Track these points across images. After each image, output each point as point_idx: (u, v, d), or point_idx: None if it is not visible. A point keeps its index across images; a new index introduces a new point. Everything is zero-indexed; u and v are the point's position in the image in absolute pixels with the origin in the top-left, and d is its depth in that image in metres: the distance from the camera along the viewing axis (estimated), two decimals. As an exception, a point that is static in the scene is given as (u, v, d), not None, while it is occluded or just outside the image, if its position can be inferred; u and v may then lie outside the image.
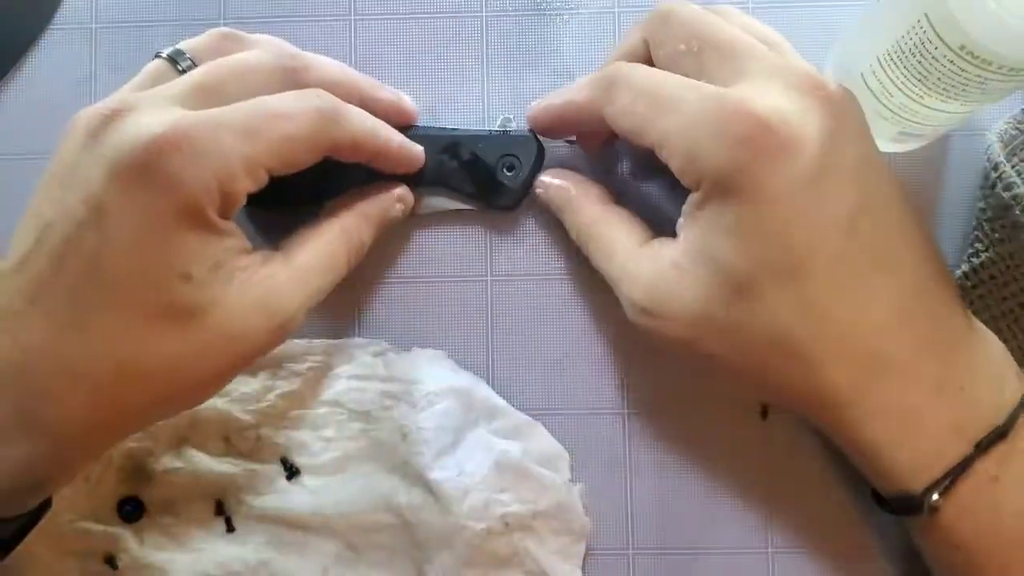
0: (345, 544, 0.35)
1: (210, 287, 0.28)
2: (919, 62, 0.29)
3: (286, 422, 0.36)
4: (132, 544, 0.35)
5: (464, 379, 0.36)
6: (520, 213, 0.37)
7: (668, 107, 0.30)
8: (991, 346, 0.31)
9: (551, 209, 0.36)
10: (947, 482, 0.29)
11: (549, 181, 0.35)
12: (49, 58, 0.38)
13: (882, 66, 0.31)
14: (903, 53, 0.29)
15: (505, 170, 0.35)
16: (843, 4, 0.37)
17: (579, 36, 0.37)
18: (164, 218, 0.27)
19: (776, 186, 0.28)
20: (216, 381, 0.30)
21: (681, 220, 0.31)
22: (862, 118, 0.30)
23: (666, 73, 0.31)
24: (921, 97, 0.30)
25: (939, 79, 0.29)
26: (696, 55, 0.31)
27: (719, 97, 0.29)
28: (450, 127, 0.36)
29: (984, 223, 0.34)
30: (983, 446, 0.29)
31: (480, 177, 0.35)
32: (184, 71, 0.31)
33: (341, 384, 0.36)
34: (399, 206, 0.35)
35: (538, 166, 0.36)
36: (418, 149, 0.35)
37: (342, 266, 0.33)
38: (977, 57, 0.27)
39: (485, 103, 0.37)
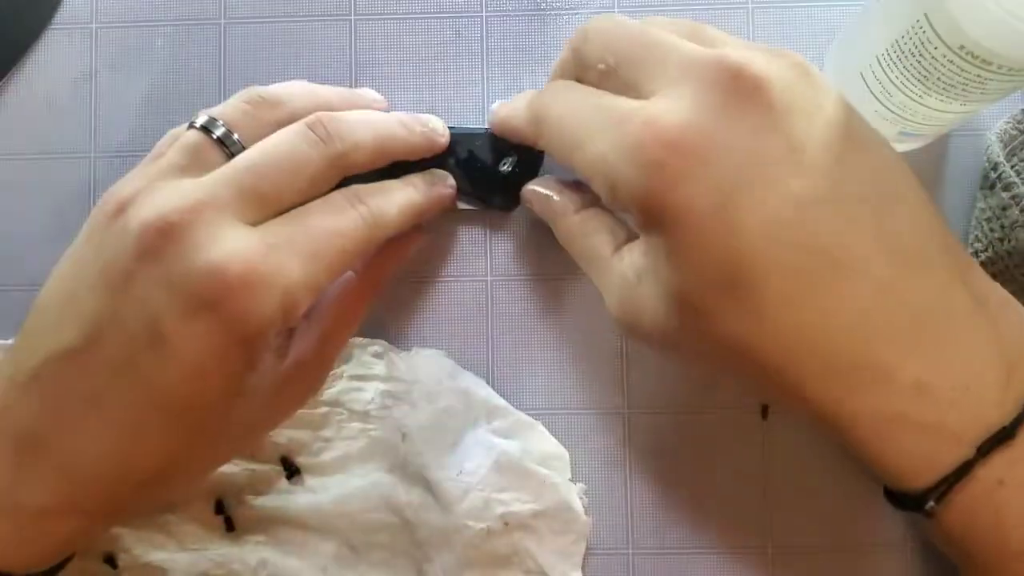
0: (345, 544, 0.35)
1: (263, 396, 0.30)
2: (919, 62, 0.29)
3: (286, 422, 0.35)
4: (131, 543, 0.35)
5: (464, 379, 0.36)
6: (520, 213, 0.37)
7: (583, 139, 0.29)
8: (1004, 332, 0.28)
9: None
10: (943, 488, 0.27)
11: (533, 190, 0.34)
12: (49, 57, 0.38)
13: (882, 66, 0.31)
14: (903, 53, 0.29)
15: (504, 169, 0.35)
16: (843, 4, 0.37)
17: (579, 36, 0.37)
18: (228, 350, 0.27)
19: (698, 207, 0.26)
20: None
21: None
22: (810, 93, 0.27)
23: (585, 97, 0.29)
24: (921, 97, 0.30)
25: (939, 79, 0.29)
26: (614, 72, 0.29)
27: (624, 121, 0.27)
28: (449, 126, 0.36)
29: (983, 223, 0.34)
30: (985, 450, 0.26)
31: (479, 176, 0.35)
32: (222, 141, 0.30)
33: (341, 384, 0.36)
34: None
35: (537, 165, 0.36)
36: (441, 128, 0.35)
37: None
38: (977, 57, 0.27)
39: (485, 103, 0.37)
